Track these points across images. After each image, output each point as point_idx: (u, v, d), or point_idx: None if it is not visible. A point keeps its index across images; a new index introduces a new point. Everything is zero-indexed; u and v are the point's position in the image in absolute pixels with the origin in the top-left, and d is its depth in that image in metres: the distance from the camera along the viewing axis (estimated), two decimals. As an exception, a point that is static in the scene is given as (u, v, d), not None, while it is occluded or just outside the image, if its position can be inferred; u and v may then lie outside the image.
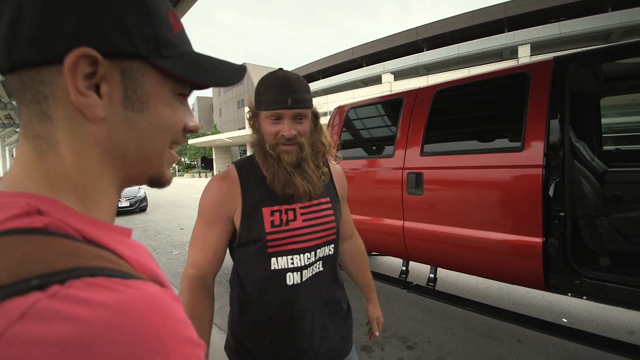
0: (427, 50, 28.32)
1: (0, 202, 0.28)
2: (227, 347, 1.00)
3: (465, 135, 2.27)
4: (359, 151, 2.88)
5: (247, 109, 0.98)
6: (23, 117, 0.33)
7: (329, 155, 0.99)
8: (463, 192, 2.09)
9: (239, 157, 37.00)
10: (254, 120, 0.93)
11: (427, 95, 2.41)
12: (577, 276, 1.73)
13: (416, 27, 29.97)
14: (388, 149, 2.58)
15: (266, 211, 0.89)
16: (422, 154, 2.31)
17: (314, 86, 38.53)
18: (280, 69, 0.90)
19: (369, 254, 3.69)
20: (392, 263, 4.72)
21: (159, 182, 0.41)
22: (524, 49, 18.89)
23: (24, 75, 0.32)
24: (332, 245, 0.97)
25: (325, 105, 26.44)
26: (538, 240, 1.77)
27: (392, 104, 2.73)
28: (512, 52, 21.39)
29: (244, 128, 34.46)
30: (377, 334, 1.16)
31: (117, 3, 0.33)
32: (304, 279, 0.90)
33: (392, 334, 2.78)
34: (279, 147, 0.87)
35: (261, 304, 0.90)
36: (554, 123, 1.78)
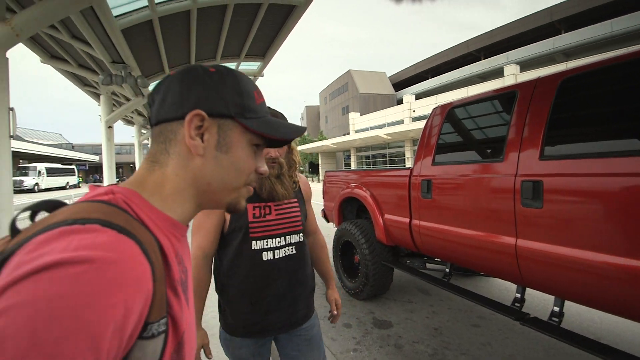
0: (565, 33, 23.75)
1: (102, 188, 0.47)
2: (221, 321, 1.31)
3: (605, 133, 1.74)
4: (461, 155, 2.54)
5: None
6: (152, 149, 0.54)
7: (296, 170, 1.36)
8: (603, 206, 1.60)
9: (343, 162, 37.86)
10: None
11: (549, 86, 1.95)
12: None
13: (550, 7, 25.49)
14: (497, 152, 2.20)
15: (250, 207, 1.22)
16: (542, 157, 1.87)
17: (421, 87, 36.73)
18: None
19: (478, 274, 3.24)
20: (509, 286, 4.04)
21: (234, 209, 0.58)
22: None
23: (162, 126, 0.53)
24: (300, 234, 1.30)
25: (434, 106, 24.82)
26: None
27: (502, 99, 2.32)
28: (701, 19, 16.04)
29: (348, 134, 35.18)
30: (335, 312, 1.45)
31: (222, 85, 0.53)
32: (276, 257, 1.23)
33: (502, 372, 2.35)
34: (267, 164, 1.19)
35: (244, 276, 1.21)
36: None
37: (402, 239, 2.98)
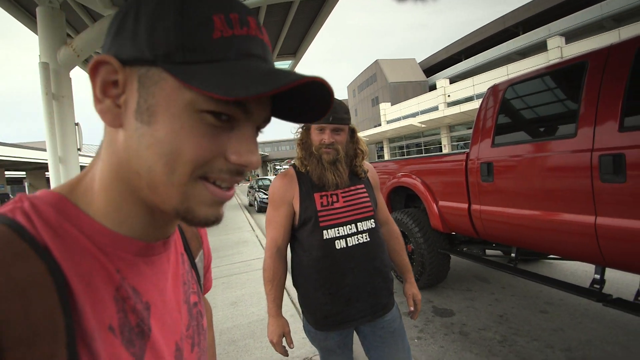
0: (616, -5, 21.66)
1: (17, 197, 0.32)
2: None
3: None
4: (524, 135, 2.42)
5: (299, 126, 1.32)
6: None
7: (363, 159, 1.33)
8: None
9: (376, 154, 37.28)
10: (306, 132, 1.27)
11: (625, 53, 1.82)
12: None
13: (596, -31, 23.34)
14: (566, 128, 2.08)
15: (317, 196, 1.22)
16: (623, 129, 1.75)
17: (455, 70, 35.19)
18: None
19: (543, 259, 3.09)
20: (574, 270, 3.82)
21: (186, 219, 0.33)
22: None
23: None
24: (372, 221, 1.25)
25: (470, 88, 23.72)
26: None
27: (568, 73, 2.18)
28: None
29: (379, 125, 34.57)
30: (412, 308, 1.36)
31: (150, 7, 0.31)
32: (349, 245, 1.20)
33: (582, 357, 2.24)
34: (321, 149, 1.21)
35: (320, 267, 1.19)
36: None
37: (461, 226, 2.91)
